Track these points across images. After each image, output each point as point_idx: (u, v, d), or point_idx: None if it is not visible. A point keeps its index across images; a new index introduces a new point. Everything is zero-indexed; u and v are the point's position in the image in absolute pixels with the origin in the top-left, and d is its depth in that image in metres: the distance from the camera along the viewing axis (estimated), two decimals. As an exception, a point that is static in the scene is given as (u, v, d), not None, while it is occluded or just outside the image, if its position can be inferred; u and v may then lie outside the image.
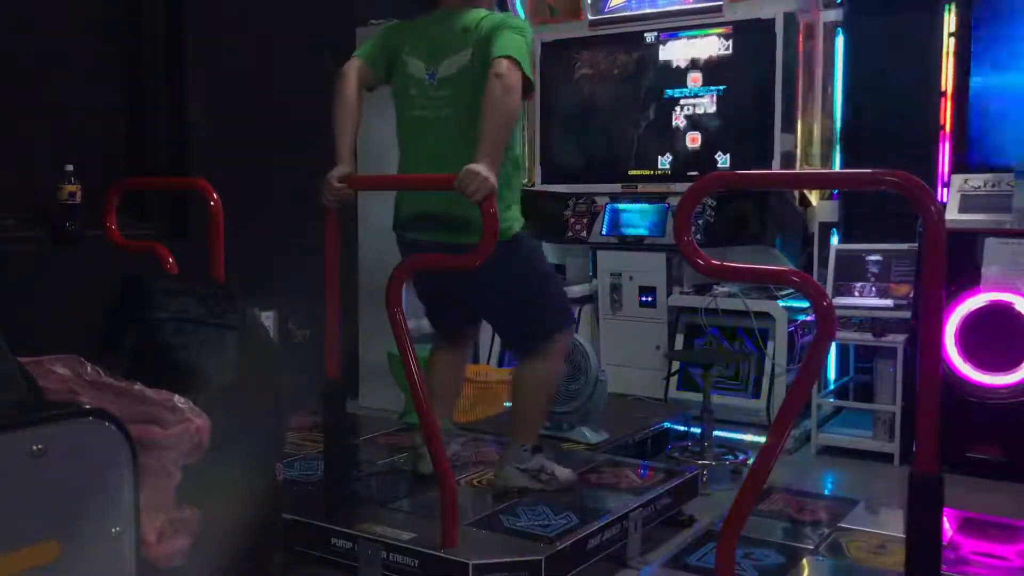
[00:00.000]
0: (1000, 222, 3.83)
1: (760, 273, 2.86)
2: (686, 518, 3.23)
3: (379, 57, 2.91)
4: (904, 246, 4.22)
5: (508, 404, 4.25)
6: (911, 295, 4.10)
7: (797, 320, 4.47)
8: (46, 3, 3.61)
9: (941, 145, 4.33)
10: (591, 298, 4.99)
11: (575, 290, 4.91)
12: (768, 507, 3.04)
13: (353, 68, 2.86)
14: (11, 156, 3.42)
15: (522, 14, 5.26)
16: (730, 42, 4.72)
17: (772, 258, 4.40)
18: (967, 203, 4.01)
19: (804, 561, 2.64)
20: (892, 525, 2.85)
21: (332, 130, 2.80)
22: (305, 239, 3.28)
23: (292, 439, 3.47)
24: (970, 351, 3.82)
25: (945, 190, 4.19)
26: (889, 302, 4.16)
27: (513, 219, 2.90)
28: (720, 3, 4.72)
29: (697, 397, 4.08)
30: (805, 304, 4.36)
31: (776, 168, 4.55)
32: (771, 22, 4.56)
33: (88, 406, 1.60)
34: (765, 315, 4.42)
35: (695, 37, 4.83)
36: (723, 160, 4.78)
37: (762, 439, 3.78)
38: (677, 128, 4.92)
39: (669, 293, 4.72)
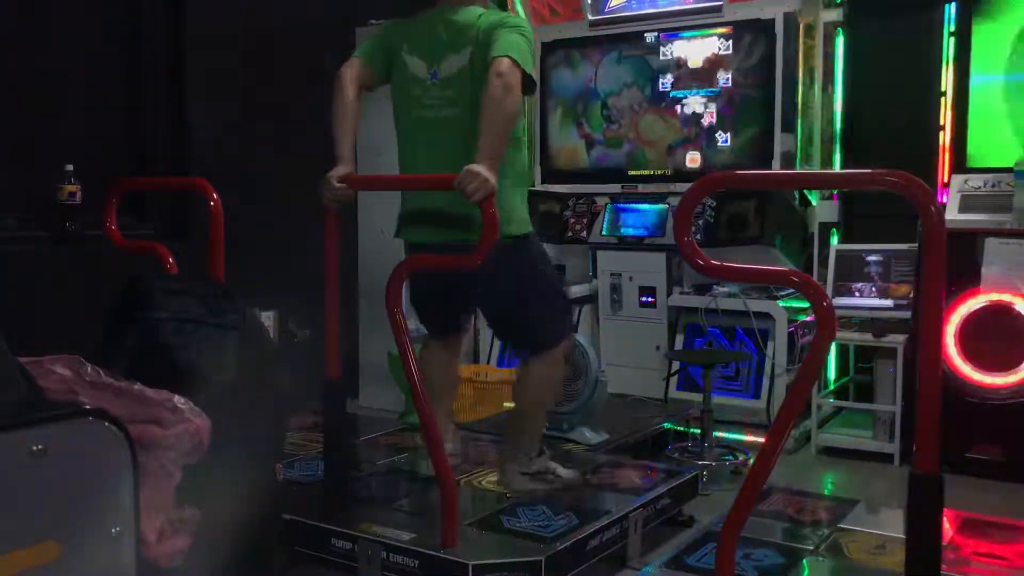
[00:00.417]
0: (1000, 222, 3.83)
1: (760, 273, 2.86)
2: (686, 518, 3.23)
3: (378, 57, 2.90)
4: (904, 246, 4.22)
5: (508, 405, 4.27)
6: (911, 295, 4.10)
7: (797, 320, 4.47)
8: (46, 3, 3.61)
9: (941, 145, 4.33)
10: (591, 298, 4.99)
11: (575, 290, 4.91)
12: (768, 507, 3.03)
13: (352, 68, 2.85)
14: (11, 156, 3.42)
15: (521, 13, 5.26)
16: (730, 42, 4.73)
17: (772, 258, 4.40)
18: (967, 203, 4.01)
19: (804, 561, 2.64)
20: (892, 525, 2.84)
21: (331, 130, 2.79)
22: (305, 239, 3.28)
23: (292, 439, 3.47)
24: (970, 351, 3.82)
25: (945, 190, 4.19)
26: (889, 302, 4.16)
27: (523, 219, 2.90)
28: (720, 3, 4.72)
29: (697, 397, 4.08)
30: (805, 304, 4.35)
31: (776, 168, 4.55)
32: (771, 22, 4.56)
33: (88, 406, 1.60)
34: (765, 315, 4.42)
35: (695, 37, 4.83)
36: (723, 157, 4.78)
37: (762, 439, 3.78)
38: (677, 128, 4.92)
39: (669, 293, 4.72)
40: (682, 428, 4.26)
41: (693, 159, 4.86)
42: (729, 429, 4.25)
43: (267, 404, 2.12)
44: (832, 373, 4.61)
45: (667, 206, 4.82)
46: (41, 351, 1.80)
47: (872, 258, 4.27)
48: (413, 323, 2.99)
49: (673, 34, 4.89)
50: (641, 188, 5.02)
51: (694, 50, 4.83)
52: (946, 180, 4.25)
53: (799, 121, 4.60)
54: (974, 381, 3.81)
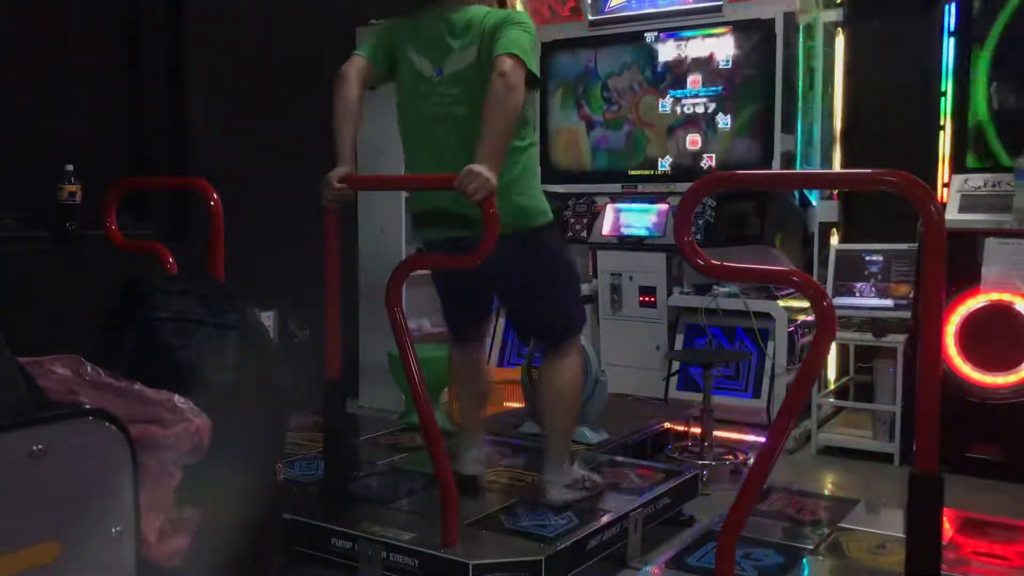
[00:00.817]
0: (1000, 222, 3.83)
1: (760, 273, 2.86)
2: (686, 518, 3.23)
3: (381, 55, 2.88)
4: (904, 246, 4.22)
5: (509, 404, 4.27)
6: (911, 295, 4.10)
7: (797, 320, 4.47)
8: (46, 3, 3.61)
9: (941, 145, 4.33)
10: (591, 298, 4.99)
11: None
12: (768, 507, 3.03)
13: (354, 67, 2.83)
14: (11, 156, 3.42)
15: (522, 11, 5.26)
16: (730, 42, 4.73)
17: (772, 258, 4.40)
18: (967, 203, 4.01)
19: (804, 561, 2.64)
20: (892, 525, 2.84)
21: (332, 130, 2.79)
22: (305, 239, 3.28)
23: (292, 439, 3.48)
24: (970, 351, 3.82)
25: (945, 190, 4.19)
26: (889, 302, 4.16)
27: (543, 206, 2.89)
28: (720, 3, 4.72)
29: (697, 397, 4.08)
30: (805, 304, 4.35)
31: (776, 168, 4.55)
32: (771, 22, 4.56)
33: (88, 406, 1.60)
34: (765, 315, 4.42)
35: (695, 37, 4.83)
36: (723, 157, 4.78)
37: (762, 439, 3.78)
38: (677, 128, 4.92)
39: (669, 293, 4.72)
40: (682, 428, 4.26)
41: (694, 143, 4.86)
42: (729, 429, 4.25)
43: (267, 404, 2.12)
44: (832, 373, 4.61)
45: (667, 206, 4.82)
46: (41, 351, 1.80)
47: (872, 258, 4.27)
48: (413, 323, 2.99)
49: (673, 34, 4.89)
50: (641, 188, 5.03)
51: (694, 50, 4.83)
52: (946, 180, 4.25)
53: (799, 121, 4.60)
54: (974, 381, 3.81)
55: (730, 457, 3.93)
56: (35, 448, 1.44)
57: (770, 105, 4.60)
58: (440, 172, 2.73)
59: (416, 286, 3.60)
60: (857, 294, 4.24)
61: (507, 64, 2.57)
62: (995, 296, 3.77)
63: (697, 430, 3.98)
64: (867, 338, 4.14)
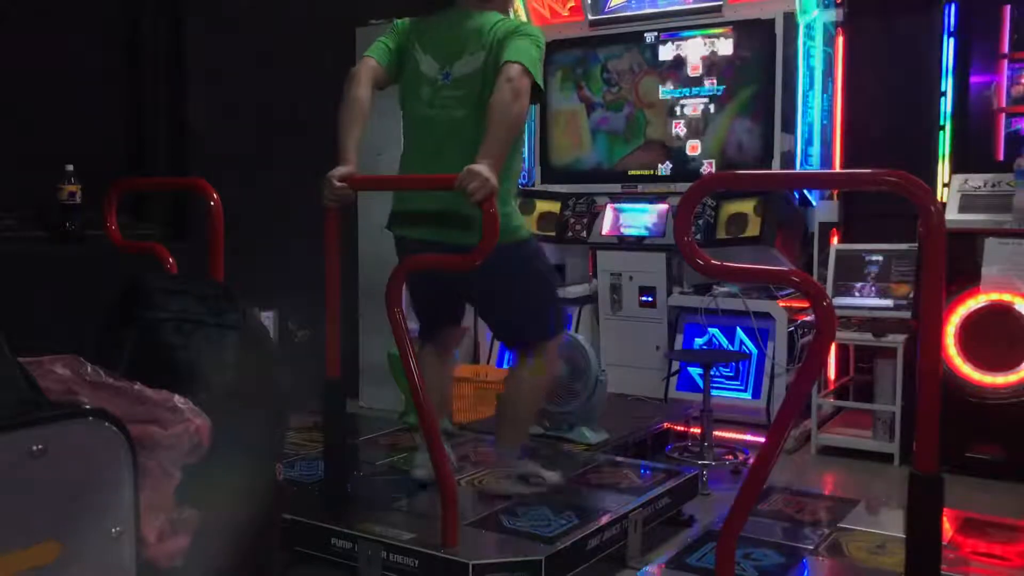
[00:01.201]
0: (1000, 222, 3.83)
1: (760, 273, 2.86)
2: (686, 518, 3.23)
3: (391, 56, 2.90)
4: (904, 246, 4.22)
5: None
6: (911, 295, 4.10)
7: (797, 320, 4.47)
8: (47, 3, 3.61)
9: (941, 146, 4.33)
10: (591, 298, 4.99)
11: (575, 290, 4.91)
12: (768, 507, 3.03)
13: (366, 69, 2.83)
14: (11, 156, 3.42)
15: (523, 11, 5.26)
16: (730, 42, 4.73)
17: (772, 258, 4.40)
18: (967, 203, 4.01)
19: (804, 561, 2.64)
20: (892, 525, 2.84)
21: (338, 129, 2.78)
22: (305, 239, 3.28)
23: (292, 439, 3.48)
24: (970, 351, 3.82)
25: (945, 190, 4.19)
26: (889, 302, 4.16)
27: (521, 222, 2.92)
28: (720, 3, 4.72)
29: (697, 397, 4.08)
30: (805, 304, 4.35)
31: (776, 168, 4.55)
32: (771, 22, 4.56)
33: (88, 406, 1.60)
34: (765, 315, 4.42)
35: (695, 37, 4.83)
36: (723, 157, 4.78)
37: (762, 439, 3.78)
38: (677, 128, 4.92)
39: (669, 293, 4.72)
40: (682, 428, 4.26)
41: (693, 149, 4.87)
42: (729, 429, 4.25)
43: (267, 404, 2.12)
44: (832, 373, 4.61)
45: (667, 206, 4.82)
46: (41, 351, 1.80)
47: (872, 258, 4.27)
48: (413, 323, 2.99)
49: (673, 34, 4.89)
50: (641, 188, 5.03)
51: (694, 50, 4.83)
52: (946, 180, 4.25)
53: (799, 121, 4.60)
54: (974, 381, 3.81)
55: (730, 457, 3.93)
56: (35, 448, 1.43)
57: (770, 105, 4.60)
58: (432, 173, 2.75)
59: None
60: (857, 294, 4.24)
61: (514, 71, 2.59)
62: (995, 296, 3.77)
63: (697, 430, 3.98)
64: (867, 338, 4.14)
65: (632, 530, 2.86)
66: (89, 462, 1.53)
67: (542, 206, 5.17)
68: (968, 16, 4.30)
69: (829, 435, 4.24)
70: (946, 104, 4.29)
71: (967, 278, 3.80)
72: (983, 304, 3.80)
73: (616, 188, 5.09)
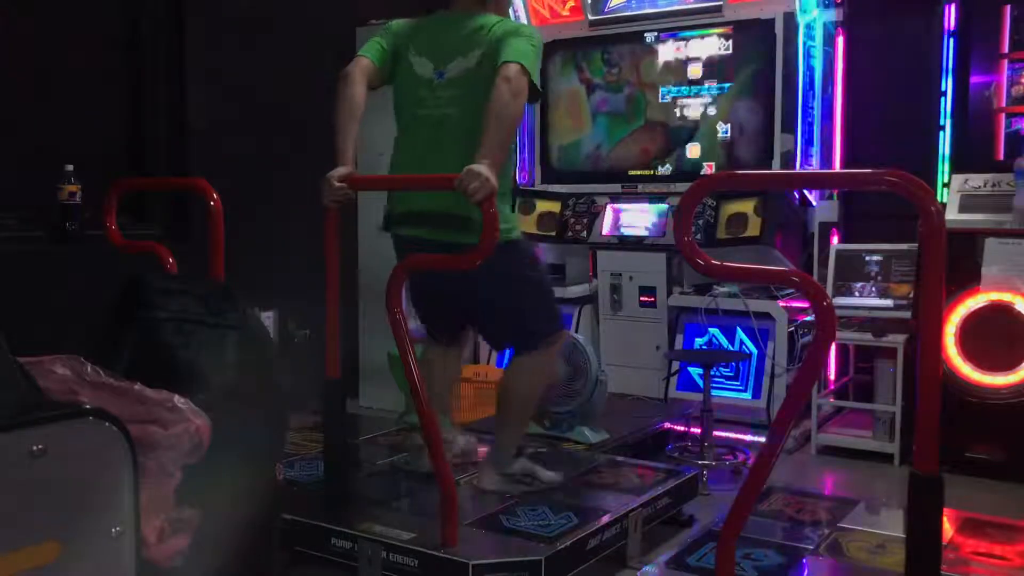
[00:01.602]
0: (1000, 222, 3.83)
1: (760, 273, 2.86)
2: (686, 518, 3.23)
3: (385, 56, 2.89)
4: (904, 246, 4.21)
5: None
6: (911, 295, 4.10)
7: (797, 320, 4.47)
8: (47, 3, 3.61)
9: (941, 146, 4.33)
10: (591, 298, 4.99)
11: (575, 290, 4.91)
12: (768, 507, 3.03)
13: (359, 68, 2.83)
14: (11, 156, 3.42)
15: (523, 11, 5.26)
16: (730, 42, 4.73)
17: (772, 258, 4.40)
18: (967, 203, 4.01)
19: (804, 561, 2.64)
20: (892, 525, 2.84)
21: (334, 129, 2.79)
22: (305, 239, 3.28)
23: (292, 439, 3.47)
24: (970, 351, 3.82)
25: (945, 190, 4.19)
26: (889, 302, 4.16)
27: (512, 223, 2.91)
28: (720, 3, 4.72)
29: (697, 397, 4.08)
30: (805, 304, 4.35)
31: (776, 168, 4.55)
32: (771, 22, 4.56)
33: (88, 406, 1.60)
34: (765, 315, 4.42)
35: (695, 37, 4.83)
36: (723, 156, 4.79)
37: (762, 439, 3.78)
38: (677, 128, 4.92)
39: (669, 293, 4.71)
40: (682, 428, 4.26)
41: (693, 151, 4.87)
42: (729, 429, 4.25)
43: (267, 404, 2.12)
44: (832, 373, 4.61)
45: (667, 206, 4.82)
46: (41, 351, 1.80)
47: (872, 258, 4.26)
48: (413, 323, 2.99)
49: (673, 34, 4.89)
50: (641, 188, 5.03)
51: (694, 50, 4.83)
52: (946, 180, 4.25)
53: (799, 121, 4.60)
54: (974, 381, 3.81)
55: (730, 457, 3.93)
56: (35, 448, 1.44)
57: (770, 105, 4.60)
58: (426, 173, 2.75)
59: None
60: (857, 294, 4.24)
61: (512, 71, 2.59)
62: (995, 296, 3.77)
63: (697, 430, 3.98)
64: (867, 338, 4.14)
65: (632, 530, 2.86)
66: (89, 462, 1.53)
67: (542, 206, 5.17)
68: (968, 16, 4.30)
69: (829, 435, 4.24)
70: (946, 104, 4.28)
71: (967, 278, 3.80)
72: (983, 304, 3.80)
73: (616, 188, 5.09)
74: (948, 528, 2.79)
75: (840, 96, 4.74)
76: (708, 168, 4.79)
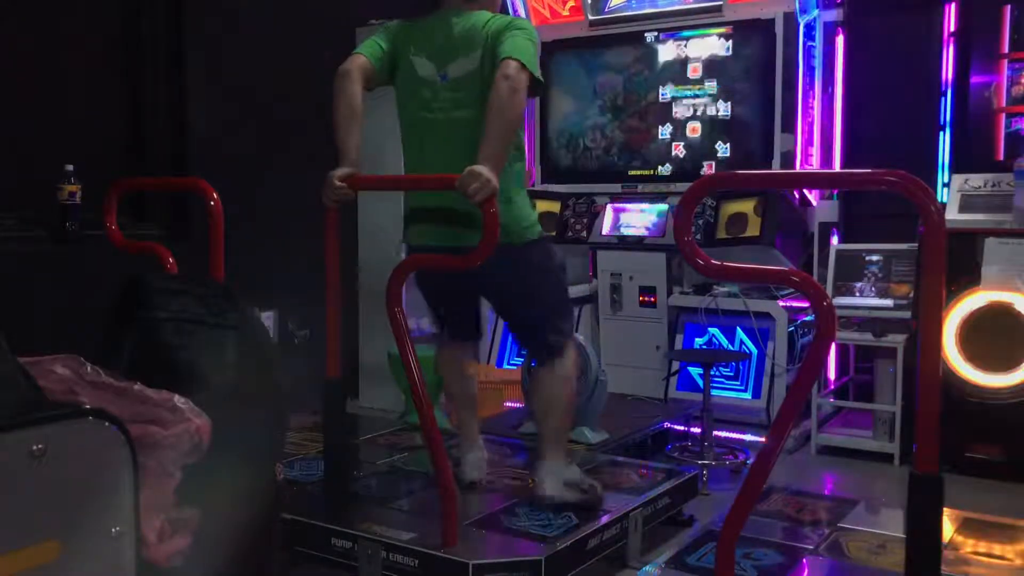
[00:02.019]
0: (1000, 222, 3.83)
1: (760, 273, 2.86)
2: (686, 518, 3.23)
3: (383, 56, 2.87)
4: (904, 246, 4.21)
5: (509, 404, 4.27)
6: (911, 295, 4.10)
7: (797, 320, 4.47)
8: (47, 3, 3.61)
9: (941, 145, 4.33)
10: (591, 298, 4.99)
11: (575, 290, 4.91)
12: (768, 507, 3.03)
13: (356, 66, 2.81)
14: (11, 156, 3.42)
15: (524, 13, 5.27)
16: (730, 42, 4.73)
17: (772, 258, 4.40)
18: (967, 203, 4.01)
19: (804, 561, 2.64)
20: (892, 525, 2.85)
21: (335, 129, 2.78)
22: (305, 239, 3.28)
23: (292, 439, 3.48)
24: (970, 351, 3.82)
25: (945, 190, 4.19)
26: (889, 302, 4.16)
27: (534, 218, 2.91)
28: (720, 3, 4.72)
29: (697, 397, 4.08)
30: (805, 304, 4.35)
31: (776, 168, 4.55)
32: (771, 22, 4.56)
33: (88, 406, 1.60)
34: (765, 315, 4.42)
35: (695, 37, 4.83)
36: (723, 156, 4.79)
37: (762, 439, 3.78)
38: (677, 128, 4.92)
39: (669, 293, 4.72)
40: (682, 428, 4.26)
41: (694, 150, 4.87)
42: (729, 429, 4.25)
43: (267, 404, 2.12)
44: (832, 373, 4.61)
45: (667, 206, 4.82)
46: (41, 351, 1.80)
47: (872, 258, 4.27)
48: (413, 323, 2.99)
49: (673, 34, 4.89)
50: (641, 188, 5.03)
51: (694, 50, 4.83)
52: (946, 180, 4.25)
53: (799, 121, 4.60)
54: (974, 381, 3.81)
55: (730, 457, 3.93)
56: (35, 448, 1.43)
57: (770, 105, 4.60)
58: (439, 173, 2.75)
59: (416, 286, 3.60)
60: (857, 294, 4.24)
61: (511, 67, 2.58)
62: (995, 296, 3.77)
63: (697, 430, 3.98)
64: (867, 338, 4.14)
65: (632, 530, 2.86)
66: (89, 462, 1.53)
67: (542, 206, 5.16)
68: (968, 16, 4.31)
69: (829, 435, 4.24)
70: (946, 104, 4.29)
71: (967, 278, 3.80)
72: (983, 304, 3.80)
73: (616, 188, 5.09)
74: (948, 528, 2.79)
75: (840, 96, 4.74)
76: (708, 168, 4.79)
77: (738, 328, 4.52)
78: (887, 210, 4.39)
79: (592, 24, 5.14)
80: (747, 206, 4.53)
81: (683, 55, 4.87)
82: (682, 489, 3.19)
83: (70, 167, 3.42)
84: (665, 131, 4.96)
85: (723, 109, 4.76)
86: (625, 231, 4.91)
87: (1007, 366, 3.76)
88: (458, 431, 3.21)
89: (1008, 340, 3.75)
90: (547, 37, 5.26)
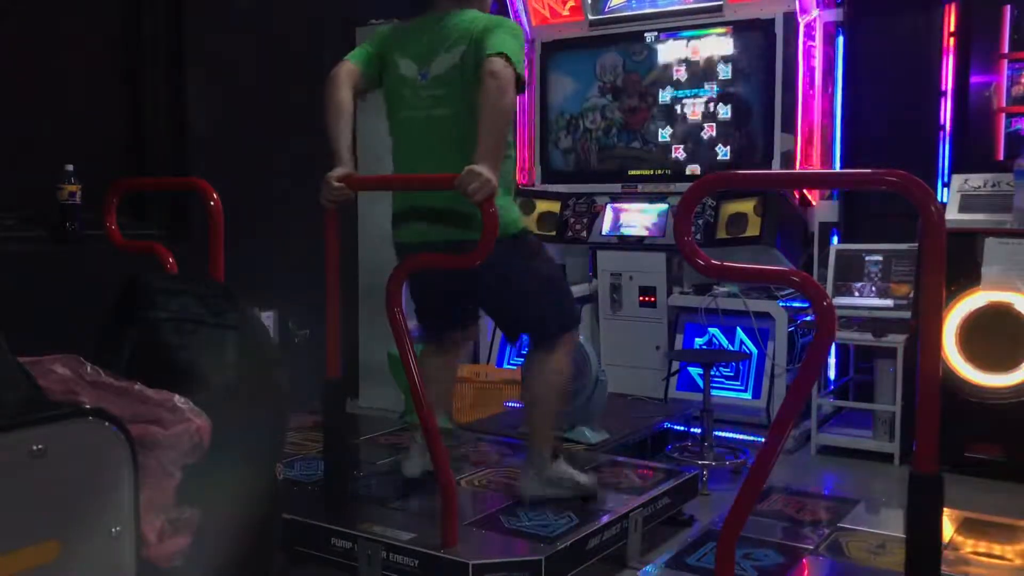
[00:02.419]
0: (1000, 222, 3.83)
1: (760, 273, 2.86)
2: (686, 518, 3.23)
3: (371, 61, 2.91)
4: (904, 246, 4.22)
5: (509, 404, 4.27)
6: (911, 295, 4.10)
7: (797, 320, 4.47)
8: (46, 3, 3.61)
9: (941, 145, 4.33)
10: (591, 298, 4.99)
11: (575, 290, 4.91)
12: (768, 507, 3.03)
13: (344, 71, 2.85)
14: (11, 156, 3.42)
15: (524, 13, 5.27)
16: (730, 42, 4.73)
17: (772, 258, 4.40)
18: (967, 203, 4.00)
19: (804, 561, 2.64)
20: (892, 525, 2.85)
21: (327, 133, 2.79)
22: (305, 239, 3.28)
23: (292, 439, 3.48)
24: (970, 351, 3.82)
25: (945, 190, 4.19)
26: (889, 302, 4.16)
27: (516, 215, 2.92)
28: (720, 3, 4.72)
29: (697, 397, 4.08)
30: (805, 304, 4.35)
31: (776, 168, 4.55)
32: (771, 22, 4.57)
33: (88, 406, 1.60)
34: (765, 315, 4.42)
35: (695, 37, 4.83)
36: (723, 157, 4.79)
37: (762, 439, 3.78)
38: (677, 128, 4.92)
39: (669, 293, 4.72)
40: (682, 428, 4.26)
41: (694, 150, 4.87)
42: (729, 429, 4.25)
43: (267, 404, 2.12)
44: (832, 373, 4.61)
45: (667, 206, 4.82)
46: (41, 351, 1.80)
47: (872, 258, 4.27)
48: (413, 323, 2.99)
49: (673, 34, 4.90)
50: (641, 188, 5.03)
51: (694, 50, 4.83)
52: (946, 180, 4.25)
53: (799, 121, 4.60)
54: (974, 381, 3.81)
55: (730, 457, 3.93)
56: (35, 448, 1.44)
57: (770, 105, 4.60)
58: (424, 173, 2.75)
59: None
60: (857, 294, 4.24)
61: (497, 64, 2.59)
62: (995, 296, 3.77)
63: (697, 430, 3.98)
64: (867, 338, 4.14)
65: (632, 530, 2.86)
66: (89, 462, 1.53)
67: (542, 206, 5.17)
68: (968, 16, 4.31)
69: (829, 435, 4.24)
70: (946, 104, 4.29)
71: (967, 278, 3.80)
72: (983, 304, 3.80)
73: (616, 188, 5.09)
74: (948, 528, 2.79)
75: (840, 96, 4.74)
76: (707, 168, 4.79)
77: (738, 328, 4.52)
78: (887, 210, 4.39)
79: (592, 24, 5.14)
80: (747, 206, 4.53)
81: (683, 55, 4.87)
82: (682, 489, 3.19)
83: (70, 167, 3.41)
84: (665, 131, 4.96)
85: (723, 109, 4.76)
86: (625, 231, 4.91)
87: (1007, 366, 3.76)
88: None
89: (1008, 340, 3.75)
90: (547, 37, 5.28)
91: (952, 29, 4.27)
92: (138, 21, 3.94)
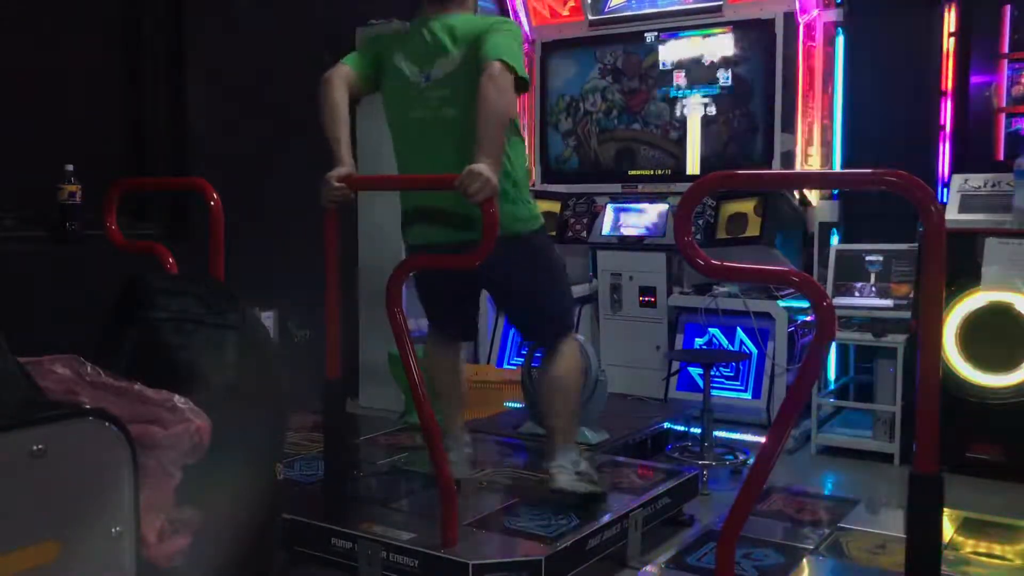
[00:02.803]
0: (1000, 222, 3.83)
1: (760, 273, 2.86)
2: (686, 518, 3.23)
3: (366, 65, 2.92)
4: (904, 246, 4.22)
5: (509, 404, 4.27)
6: (911, 295, 4.10)
7: (797, 320, 4.47)
8: (46, 4, 3.61)
9: (941, 145, 4.33)
10: (591, 298, 4.99)
11: (575, 290, 4.91)
12: (768, 507, 3.03)
13: (339, 74, 2.86)
14: (11, 156, 3.42)
15: (524, 13, 5.27)
16: (730, 42, 4.73)
17: (772, 258, 4.40)
18: (967, 203, 4.01)
19: (804, 561, 2.64)
20: (892, 525, 2.85)
21: (325, 134, 2.80)
22: (305, 239, 3.28)
23: (292, 439, 3.48)
24: (970, 351, 3.82)
25: (945, 190, 4.19)
26: (889, 302, 4.16)
27: (536, 214, 2.95)
28: (720, 3, 4.72)
29: (697, 397, 4.08)
30: (805, 304, 4.35)
31: (776, 168, 4.55)
32: (771, 22, 4.57)
33: (88, 406, 1.60)
34: (765, 315, 4.42)
35: (695, 37, 4.83)
36: (723, 157, 4.79)
37: (762, 439, 3.78)
38: (677, 128, 4.92)
39: (669, 293, 4.72)
40: (682, 428, 4.26)
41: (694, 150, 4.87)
42: (729, 429, 4.25)
43: (267, 404, 2.12)
44: (832, 373, 4.61)
45: (667, 206, 4.82)
46: (41, 351, 1.80)
47: (872, 258, 4.26)
48: (413, 323, 2.99)
49: (673, 34, 4.90)
50: (641, 188, 5.03)
51: (694, 50, 4.83)
52: (946, 180, 4.25)
53: (799, 121, 4.60)
54: (974, 381, 3.81)
55: (730, 457, 3.93)
56: (35, 448, 1.44)
57: (770, 105, 4.60)
58: (432, 173, 2.76)
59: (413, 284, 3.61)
60: (857, 294, 4.24)
61: (496, 68, 2.61)
62: (995, 296, 3.77)
63: (697, 430, 3.98)
64: (867, 338, 4.14)
65: (632, 530, 2.86)
66: (89, 462, 1.53)
67: (542, 206, 5.12)
68: (968, 16, 4.31)
69: (829, 435, 4.24)
70: (946, 104, 4.28)
71: (967, 278, 3.80)
72: (983, 304, 3.80)
73: (616, 188, 5.09)
74: (948, 528, 2.79)
75: (840, 96, 4.74)
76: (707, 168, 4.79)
77: (738, 328, 4.52)
78: (887, 210, 4.38)
79: (592, 24, 5.14)
80: (747, 206, 4.53)
81: (683, 55, 4.86)
82: (682, 489, 3.19)
83: (70, 167, 3.42)
84: (665, 131, 4.95)
85: (723, 109, 4.76)
86: (625, 231, 4.91)
87: (1007, 366, 3.76)
88: (444, 431, 3.21)
89: (1008, 340, 3.75)
90: (547, 37, 5.28)
91: (952, 29, 4.27)
92: (138, 21, 3.95)
